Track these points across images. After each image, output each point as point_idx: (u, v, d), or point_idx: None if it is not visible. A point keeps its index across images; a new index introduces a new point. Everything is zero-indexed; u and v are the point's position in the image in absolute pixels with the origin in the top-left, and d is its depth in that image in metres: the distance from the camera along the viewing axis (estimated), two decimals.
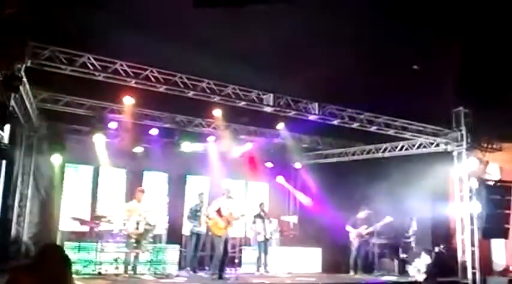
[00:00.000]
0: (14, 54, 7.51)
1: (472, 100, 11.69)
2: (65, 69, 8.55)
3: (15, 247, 11.00)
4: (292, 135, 14.12)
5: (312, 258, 13.31)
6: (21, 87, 8.16)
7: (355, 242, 12.94)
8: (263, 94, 10.44)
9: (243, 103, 10.35)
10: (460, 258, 11.65)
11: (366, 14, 8.81)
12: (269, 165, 14.20)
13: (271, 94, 10.46)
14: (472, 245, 11.54)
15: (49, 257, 2.46)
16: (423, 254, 11.53)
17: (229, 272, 10.63)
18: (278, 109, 10.72)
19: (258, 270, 12.28)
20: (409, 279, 11.97)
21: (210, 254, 11.62)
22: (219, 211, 10.27)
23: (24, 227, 11.51)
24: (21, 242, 11.29)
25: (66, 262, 2.51)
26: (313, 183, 14.86)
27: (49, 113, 11.48)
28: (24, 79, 8.42)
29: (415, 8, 8.66)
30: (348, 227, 13.07)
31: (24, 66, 7.88)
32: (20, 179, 11.56)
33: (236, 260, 11.48)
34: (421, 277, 11.03)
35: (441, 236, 12.95)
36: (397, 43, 9.71)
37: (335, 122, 11.38)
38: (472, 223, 11.65)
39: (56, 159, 11.87)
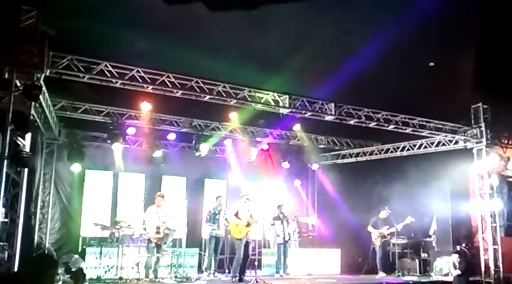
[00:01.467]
0: (33, 63, 7.64)
1: (490, 96, 11.54)
2: (83, 77, 8.66)
3: (38, 253, 11.16)
4: (309, 136, 14.13)
5: (331, 259, 13.25)
6: (40, 96, 8.29)
7: (377, 242, 12.84)
8: (279, 96, 10.45)
9: (259, 105, 10.37)
10: (482, 257, 11.48)
11: (383, 12, 8.78)
12: (286, 165, 14.17)
13: (287, 96, 10.45)
14: (495, 243, 11.37)
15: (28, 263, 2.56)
16: (453, 255, 11.29)
17: (249, 274, 10.64)
18: (294, 110, 10.70)
19: (277, 272, 12.28)
20: (431, 279, 11.86)
21: (230, 257, 11.64)
22: (237, 214, 10.30)
23: (46, 233, 11.71)
24: (44, 249, 11.47)
25: (46, 262, 2.57)
26: (330, 183, 14.82)
27: (68, 121, 11.66)
28: (44, 88, 8.56)
29: (433, 5, 8.60)
30: (369, 228, 12.98)
31: (43, 75, 8.01)
32: (41, 186, 11.77)
33: (256, 263, 11.50)
34: (455, 273, 10.76)
35: (462, 235, 12.80)
36: (415, 41, 9.64)
37: (351, 122, 11.32)
38: (493, 221, 11.49)
39: (76, 165, 12.03)
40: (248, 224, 10.16)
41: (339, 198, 14.30)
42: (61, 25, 7.92)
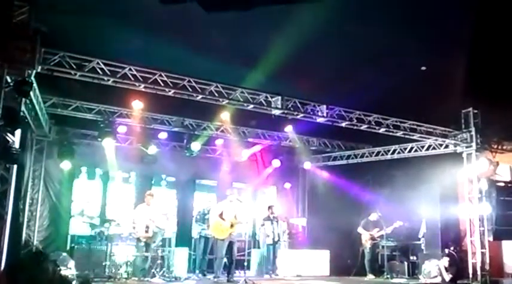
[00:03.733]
0: (25, 60, 7.58)
1: (481, 101, 11.63)
2: (75, 74, 8.62)
3: (26, 250, 11.08)
4: (300, 137, 14.16)
5: (320, 261, 13.28)
6: (31, 93, 8.24)
7: (367, 244, 12.89)
8: (271, 97, 10.46)
9: (251, 106, 10.37)
10: (470, 260, 11.56)
11: (375, 15, 8.81)
12: (276, 163, 14.17)
13: (279, 97, 10.47)
14: (483, 247, 11.45)
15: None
16: (444, 259, 11.36)
17: (237, 275, 10.65)
18: (286, 112, 10.72)
19: (266, 273, 12.29)
20: (419, 281, 11.92)
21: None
22: (222, 215, 10.29)
23: (34, 231, 11.61)
24: (32, 246, 11.37)
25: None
26: (320, 185, 14.87)
27: (59, 118, 11.59)
28: (34, 84, 8.50)
29: (424, 9, 8.65)
30: (360, 230, 13.02)
31: (34, 71, 7.96)
32: (30, 183, 11.67)
33: (245, 263, 11.51)
34: (447, 277, 10.80)
35: (451, 238, 12.88)
36: (406, 44, 9.69)
37: (343, 124, 11.37)
38: (482, 225, 11.58)
39: (66, 163, 11.96)
40: (232, 226, 10.15)
41: (329, 199, 14.33)
42: (53, 21, 7.86)
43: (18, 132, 7.97)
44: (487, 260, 11.34)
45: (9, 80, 7.65)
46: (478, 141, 11.86)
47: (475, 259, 11.45)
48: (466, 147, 12.00)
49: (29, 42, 7.60)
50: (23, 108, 8.13)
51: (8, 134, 7.63)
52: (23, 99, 8.00)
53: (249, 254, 12.81)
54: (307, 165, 14.97)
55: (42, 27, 7.64)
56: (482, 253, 11.41)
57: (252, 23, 8.62)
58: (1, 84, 7.48)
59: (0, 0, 7.41)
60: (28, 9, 7.57)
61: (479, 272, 11.29)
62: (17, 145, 7.93)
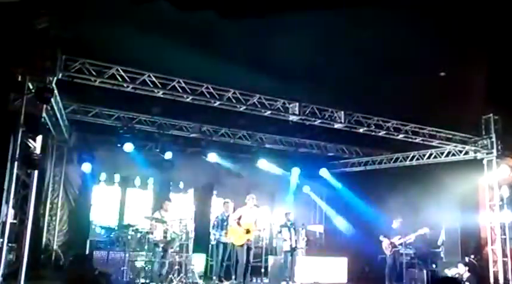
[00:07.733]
0: (46, 67, 7.72)
1: (502, 106, 11.45)
2: (95, 80, 8.74)
3: (46, 255, 11.23)
4: (318, 144, 14.11)
5: (337, 268, 13.16)
6: (52, 99, 8.37)
7: (387, 252, 12.73)
8: (289, 104, 10.45)
9: (269, 112, 10.38)
10: (491, 269, 11.36)
11: (393, 20, 8.75)
12: (296, 170, 14.10)
13: (297, 103, 10.46)
14: (504, 255, 11.25)
15: None
16: (460, 266, 11.18)
17: (255, 282, 10.62)
18: (304, 118, 10.70)
19: (283, 279, 12.21)
20: None
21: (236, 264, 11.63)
22: (240, 220, 10.28)
23: (54, 235, 11.76)
24: (51, 251, 11.52)
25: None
26: (338, 192, 14.78)
27: (79, 124, 11.74)
28: (55, 91, 8.64)
29: (444, 14, 8.57)
30: (381, 237, 12.88)
31: (55, 78, 8.09)
32: (50, 189, 11.84)
33: (262, 270, 11.46)
34: None
35: (471, 246, 12.67)
36: (425, 50, 9.61)
37: (361, 130, 11.30)
38: (503, 233, 11.38)
39: (85, 168, 12.09)
40: (248, 232, 10.12)
41: (347, 206, 14.22)
42: (75, 29, 7.98)
43: (39, 138, 8.09)
44: (509, 269, 11.14)
45: (31, 87, 7.78)
46: (499, 147, 11.70)
47: (497, 267, 11.27)
48: (487, 154, 11.84)
49: (50, 50, 7.73)
50: (44, 114, 8.26)
51: (30, 140, 7.76)
52: (44, 106, 8.13)
53: (266, 260, 12.78)
54: (323, 172, 14.91)
55: (63, 34, 7.77)
56: (503, 261, 11.23)
57: (270, 28, 8.63)
58: (23, 90, 7.62)
59: (22, 8, 7.54)
60: (49, 17, 7.70)
61: (501, 281, 11.11)
62: (38, 151, 8.05)
